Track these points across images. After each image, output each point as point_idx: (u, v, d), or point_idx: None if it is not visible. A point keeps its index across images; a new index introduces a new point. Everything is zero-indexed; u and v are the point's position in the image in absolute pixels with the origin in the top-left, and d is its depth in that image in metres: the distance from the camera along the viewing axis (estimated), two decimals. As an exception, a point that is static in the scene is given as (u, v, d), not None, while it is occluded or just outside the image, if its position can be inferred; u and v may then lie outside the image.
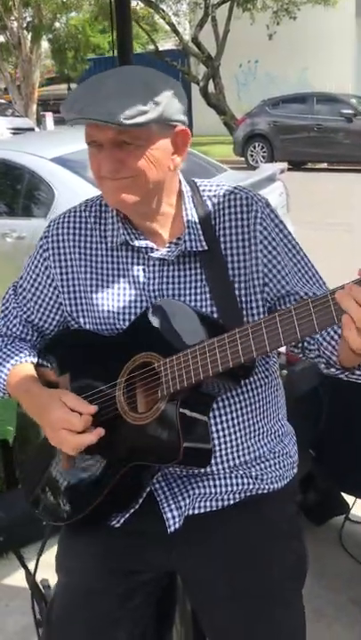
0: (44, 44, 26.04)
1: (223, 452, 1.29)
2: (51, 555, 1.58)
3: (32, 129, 17.12)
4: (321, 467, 2.51)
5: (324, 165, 14.49)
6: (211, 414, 1.26)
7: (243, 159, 14.79)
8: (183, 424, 1.16)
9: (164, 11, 20.27)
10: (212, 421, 1.27)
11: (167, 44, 24.88)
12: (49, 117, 20.30)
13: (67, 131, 10.20)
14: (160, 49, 21.50)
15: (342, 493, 2.59)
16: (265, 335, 1.09)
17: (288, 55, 20.26)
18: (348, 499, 2.58)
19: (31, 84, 21.97)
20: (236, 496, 1.32)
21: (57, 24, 25.29)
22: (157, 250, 1.31)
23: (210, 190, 1.34)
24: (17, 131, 15.42)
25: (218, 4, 18.55)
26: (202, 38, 18.63)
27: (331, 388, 2.30)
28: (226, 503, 1.31)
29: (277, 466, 1.36)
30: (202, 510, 1.30)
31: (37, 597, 1.95)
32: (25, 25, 21.92)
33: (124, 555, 1.32)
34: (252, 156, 14.83)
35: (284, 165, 5.39)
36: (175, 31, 20.09)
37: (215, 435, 1.28)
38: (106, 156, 1.20)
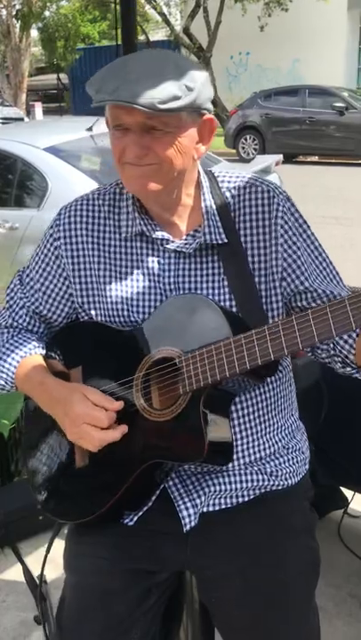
0: (34, 33, 25.75)
1: (239, 448, 1.27)
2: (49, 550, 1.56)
3: (22, 119, 16.94)
4: (320, 461, 2.50)
5: (316, 158, 14.48)
6: None
7: (234, 151, 14.75)
8: (206, 422, 1.13)
9: (155, 1, 20.14)
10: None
11: (158, 35, 24.75)
12: (38, 107, 20.10)
13: (57, 121, 10.10)
14: (151, 39, 21.39)
15: (341, 488, 2.58)
16: (297, 332, 1.05)
17: (279, 47, 20.22)
18: (347, 493, 2.56)
19: (20, 73, 21.71)
20: (251, 492, 1.30)
21: (47, 13, 25.01)
22: (173, 241, 1.27)
23: (229, 181, 1.30)
24: (6, 120, 15.26)
25: (210, -5, 18.43)
26: (193, 29, 18.52)
27: (332, 382, 2.28)
28: (240, 500, 1.29)
29: (291, 462, 1.34)
30: (216, 507, 1.28)
31: (37, 594, 1.93)
32: (14, 13, 21.62)
33: (139, 554, 1.29)
34: (243, 148, 14.79)
35: (280, 157, 5.36)
36: (166, 21, 19.99)
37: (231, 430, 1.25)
38: (132, 141, 1.16)
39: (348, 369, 1.21)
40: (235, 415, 1.26)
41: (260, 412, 1.29)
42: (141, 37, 22.15)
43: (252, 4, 18.71)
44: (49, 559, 1.61)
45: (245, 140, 14.82)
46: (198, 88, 1.15)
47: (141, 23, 22.56)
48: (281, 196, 1.28)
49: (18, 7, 21.82)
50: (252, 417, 1.28)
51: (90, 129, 4.82)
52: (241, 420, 1.27)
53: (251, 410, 1.27)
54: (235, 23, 18.56)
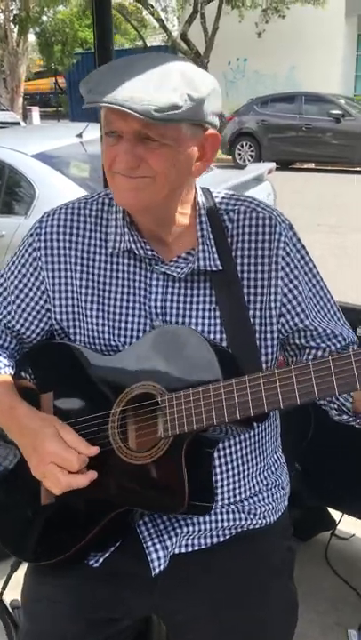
0: (31, 38, 25.74)
1: (219, 491, 1.20)
2: (20, 572, 1.46)
3: (18, 123, 16.88)
4: (307, 481, 2.42)
5: (312, 165, 14.45)
6: None
7: (230, 158, 14.71)
8: (188, 471, 1.04)
9: (152, 6, 20.14)
10: None
11: (155, 41, 24.76)
12: (35, 112, 20.05)
13: (52, 126, 10.02)
14: (148, 45, 21.40)
15: (329, 509, 2.50)
16: (295, 385, 0.96)
17: (277, 54, 20.21)
18: (335, 514, 2.48)
19: (17, 77, 21.68)
20: (227, 532, 1.22)
21: (44, 17, 25.01)
22: (164, 262, 1.18)
23: (228, 204, 1.21)
24: (2, 125, 15.20)
25: (207, 1, 18.45)
26: (191, 35, 18.51)
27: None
28: (215, 540, 1.21)
29: (270, 499, 1.27)
30: (189, 549, 1.20)
31: (6, 622, 1.84)
32: (12, 17, 21.61)
33: (102, 601, 1.21)
34: (239, 154, 14.76)
35: (272, 165, 5.29)
36: (164, 27, 19.96)
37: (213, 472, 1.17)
38: (125, 150, 1.06)
39: (345, 417, 1.14)
40: (216, 455, 1.18)
41: (243, 452, 1.21)
42: (139, 43, 22.18)
43: (250, 11, 18.71)
44: (20, 582, 1.53)
45: (242, 146, 14.79)
46: (203, 99, 1.05)
47: (139, 29, 22.59)
48: (284, 224, 1.19)
49: (15, 12, 21.82)
50: (234, 457, 1.20)
51: (80, 135, 4.75)
52: (223, 461, 1.19)
53: (233, 450, 1.20)
54: (232, 29, 18.56)
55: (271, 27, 18.67)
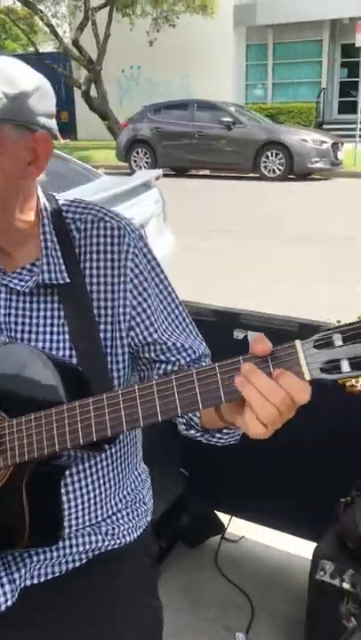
0: None
1: (73, 516, 1.13)
2: None
3: None
4: (194, 486, 2.41)
5: (207, 172, 14.71)
6: None
7: (127, 164, 14.71)
8: (30, 503, 0.97)
9: (42, 12, 19.85)
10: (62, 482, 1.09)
11: (49, 47, 24.38)
12: None
13: None
14: (41, 51, 21.05)
15: (217, 513, 2.50)
16: (139, 406, 0.91)
17: (170, 62, 20.51)
18: (224, 518, 2.48)
19: None
20: (83, 556, 1.15)
21: None
22: (6, 274, 1.10)
23: (75, 212, 1.14)
24: None
25: (98, 8, 18.41)
26: (83, 42, 18.40)
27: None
28: (71, 566, 1.14)
29: (130, 516, 1.21)
30: (42, 579, 1.12)
31: None
32: None
33: None
34: (135, 161, 14.80)
35: (160, 172, 5.30)
36: (54, 33, 19.73)
37: (64, 497, 1.10)
38: None
39: (193, 431, 1.10)
40: (69, 480, 1.11)
41: (99, 475, 1.15)
42: (31, 49, 21.75)
43: (140, 19, 18.86)
44: None
45: (137, 153, 14.83)
46: (25, 98, 0.97)
47: (30, 34, 22.16)
48: (133, 234, 1.13)
49: None
50: (89, 480, 1.14)
51: None
52: (77, 486, 1.12)
53: (89, 473, 1.14)
54: (124, 37, 18.62)
55: (163, 35, 18.92)
